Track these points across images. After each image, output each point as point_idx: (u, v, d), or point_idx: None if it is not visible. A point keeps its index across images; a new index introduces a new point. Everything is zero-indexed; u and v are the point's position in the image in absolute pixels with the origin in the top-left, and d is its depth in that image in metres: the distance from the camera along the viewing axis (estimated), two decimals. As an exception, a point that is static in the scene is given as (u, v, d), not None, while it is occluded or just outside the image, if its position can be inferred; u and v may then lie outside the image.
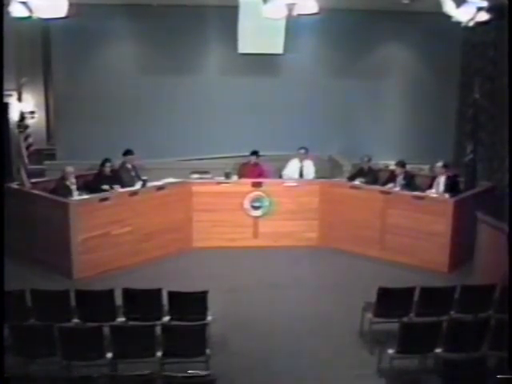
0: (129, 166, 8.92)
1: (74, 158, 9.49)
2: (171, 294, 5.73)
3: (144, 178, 8.56)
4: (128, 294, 5.78)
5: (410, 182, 8.76)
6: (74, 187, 8.08)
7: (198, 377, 4.65)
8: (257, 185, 8.92)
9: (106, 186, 8.21)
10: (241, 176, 9.21)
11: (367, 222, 8.58)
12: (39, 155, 10.50)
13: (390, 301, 5.86)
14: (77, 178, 8.28)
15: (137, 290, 5.79)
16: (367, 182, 8.92)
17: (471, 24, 6.96)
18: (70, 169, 8.16)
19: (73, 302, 5.75)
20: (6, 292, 5.12)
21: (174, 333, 5.23)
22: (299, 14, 6.72)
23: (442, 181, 8.47)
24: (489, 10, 6.90)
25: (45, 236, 7.84)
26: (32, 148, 8.71)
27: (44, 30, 10.89)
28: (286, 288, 7.49)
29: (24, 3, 6.03)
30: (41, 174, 9.69)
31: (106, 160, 8.67)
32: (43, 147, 11.52)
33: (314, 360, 5.73)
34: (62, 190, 7.98)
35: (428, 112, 10.87)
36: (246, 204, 8.84)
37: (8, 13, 6.23)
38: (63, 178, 8.13)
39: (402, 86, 11.01)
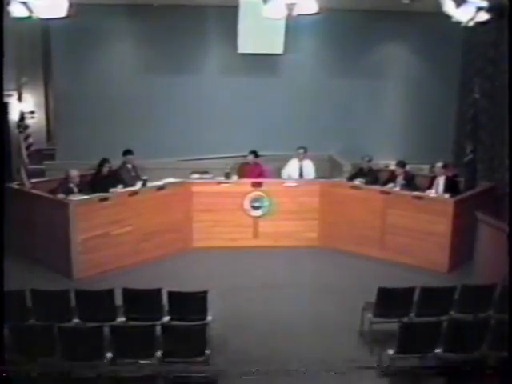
0: (129, 166, 8.93)
1: (74, 158, 9.48)
2: (171, 294, 5.73)
3: (144, 177, 8.56)
4: (128, 293, 5.78)
5: (410, 182, 8.77)
6: (75, 189, 8.06)
7: (198, 377, 4.65)
8: (257, 185, 8.92)
9: (113, 189, 8.19)
10: (241, 176, 9.21)
11: (367, 222, 8.59)
12: (39, 155, 10.48)
13: (389, 301, 5.87)
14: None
15: (137, 290, 5.79)
16: (367, 182, 8.93)
17: (471, 24, 6.96)
18: (74, 172, 8.15)
19: (73, 302, 5.75)
20: (5, 292, 5.12)
21: (174, 333, 5.23)
22: (299, 14, 6.71)
23: (441, 181, 8.48)
24: (489, 10, 6.90)
25: (45, 236, 7.84)
26: (32, 148, 8.68)
27: (44, 29, 10.88)
28: (286, 288, 7.49)
29: (24, 3, 6.04)
30: (41, 174, 9.69)
31: (105, 160, 8.68)
32: (43, 147, 11.50)
33: (313, 360, 5.72)
34: (64, 190, 7.97)
35: (428, 112, 10.86)
36: (246, 204, 8.85)
37: (8, 13, 6.23)
38: (67, 180, 8.13)
39: (402, 86, 11.01)
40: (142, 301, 5.76)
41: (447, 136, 10.84)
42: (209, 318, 5.73)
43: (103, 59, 10.17)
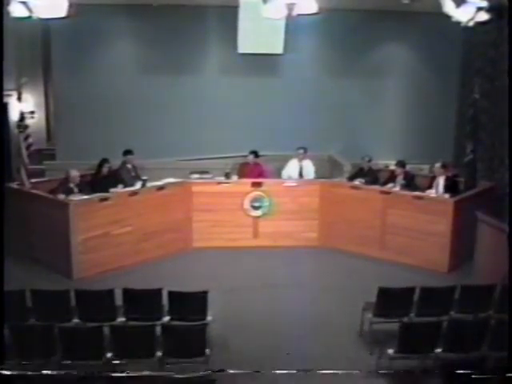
0: (129, 165, 8.94)
1: (74, 158, 9.49)
2: (171, 294, 5.74)
3: (144, 177, 8.56)
4: (128, 293, 5.78)
5: (410, 182, 8.77)
6: (75, 189, 8.06)
7: (198, 377, 4.66)
8: (257, 185, 8.92)
9: (113, 189, 8.20)
10: (241, 176, 9.22)
11: (367, 222, 8.59)
12: (39, 155, 10.49)
13: (389, 301, 5.87)
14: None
15: (137, 290, 5.79)
16: (367, 182, 8.93)
17: (471, 24, 6.96)
18: (74, 172, 8.15)
19: (73, 302, 5.75)
20: (5, 292, 5.12)
21: (174, 333, 5.23)
22: (299, 14, 6.71)
23: (441, 181, 8.48)
24: (489, 10, 6.90)
25: (45, 236, 7.84)
26: (32, 148, 8.69)
27: (44, 29, 10.88)
28: (286, 288, 7.49)
29: (24, 3, 6.04)
30: (41, 174, 9.69)
31: (104, 160, 8.70)
32: (43, 147, 11.51)
33: (313, 360, 5.73)
34: (64, 190, 7.96)
35: (428, 112, 10.86)
36: (246, 204, 8.85)
37: (8, 13, 6.23)
38: (67, 180, 8.13)
39: (402, 86, 11.00)
40: (142, 301, 5.76)
41: (447, 136, 10.84)
42: (209, 318, 5.73)
43: (103, 59, 10.16)
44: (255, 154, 9.49)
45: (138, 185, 8.48)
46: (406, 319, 5.75)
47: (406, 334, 5.25)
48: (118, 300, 5.81)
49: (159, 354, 5.13)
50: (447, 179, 8.49)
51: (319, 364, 5.67)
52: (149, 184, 8.49)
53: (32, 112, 11.49)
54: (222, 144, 10.27)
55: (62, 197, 7.81)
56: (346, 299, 6.98)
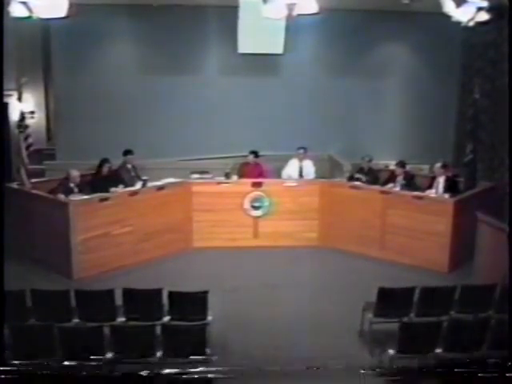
0: (129, 166, 8.94)
1: (74, 158, 9.50)
2: (171, 294, 5.73)
3: (144, 177, 8.56)
4: (128, 293, 5.78)
5: (410, 182, 8.78)
6: (76, 189, 8.06)
7: (198, 377, 4.65)
8: (257, 185, 8.92)
9: (113, 189, 8.20)
10: (241, 176, 9.22)
11: (367, 222, 8.59)
12: (39, 155, 10.50)
13: (390, 301, 5.87)
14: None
15: (137, 290, 5.79)
16: (367, 182, 8.93)
17: (471, 24, 6.96)
18: (74, 172, 8.14)
19: (73, 302, 5.75)
20: (6, 292, 5.11)
21: (174, 333, 5.23)
22: (299, 14, 6.71)
23: (441, 181, 8.48)
24: (489, 10, 6.90)
25: (45, 236, 7.84)
26: (32, 148, 8.70)
27: (44, 29, 10.89)
28: (286, 288, 7.49)
29: (24, 3, 6.04)
30: (41, 174, 9.69)
31: (105, 160, 8.70)
32: (43, 147, 11.52)
33: (313, 360, 5.72)
34: (64, 190, 7.96)
35: (428, 112, 10.87)
36: (246, 204, 8.85)
37: (8, 13, 6.22)
38: (67, 180, 8.13)
39: (402, 86, 11.01)
40: (142, 301, 5.75)
41: (447, 136, 10.85)
42: (209, 317, 5.73)
43: (103, 59, 10.18)
44: (255, 154, 9.49)
45: (138, 185, 8.49)
46: (406, 319, 5.75)
47: (406, 334, 5.24)
48: (118, 300, 5.80)
49: (159, 354, 5.13)
50: (447, 179, 8.49)
51: (319, 364, 5.67)
52: (149, 184, 8.50)
53: (32, 112, 11.51)
54: (222, 144, 10.27)
55: (61, 197, 7.81)
56: (346, 299, 6.98)
